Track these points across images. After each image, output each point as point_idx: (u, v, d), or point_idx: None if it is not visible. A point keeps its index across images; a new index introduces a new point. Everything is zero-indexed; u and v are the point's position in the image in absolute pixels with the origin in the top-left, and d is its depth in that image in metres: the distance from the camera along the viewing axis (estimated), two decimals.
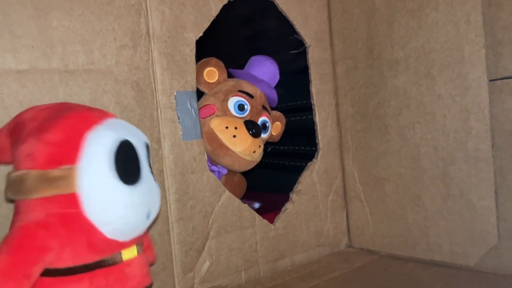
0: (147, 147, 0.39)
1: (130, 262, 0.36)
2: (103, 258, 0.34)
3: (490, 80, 0.51)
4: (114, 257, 0.35)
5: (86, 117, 0.35)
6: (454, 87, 0.54)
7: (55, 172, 0.32)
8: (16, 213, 0.34)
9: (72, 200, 0.33)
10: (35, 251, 0.31)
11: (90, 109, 0.37)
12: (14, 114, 0.41)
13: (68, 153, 0.33)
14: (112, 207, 0.34)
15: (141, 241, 0.38)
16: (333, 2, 0.67)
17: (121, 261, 0.35)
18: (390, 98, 0.61)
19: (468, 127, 0.53)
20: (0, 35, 0.41)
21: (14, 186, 0.33)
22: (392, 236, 0.63)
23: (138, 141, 0.37)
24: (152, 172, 0.39)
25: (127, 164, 0.35)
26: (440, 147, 0.56)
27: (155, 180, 0.39)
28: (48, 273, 0.32)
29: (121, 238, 0.35)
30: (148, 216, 0.37)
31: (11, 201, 0.37)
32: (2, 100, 0.41)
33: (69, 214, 0.33)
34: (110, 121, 0.36)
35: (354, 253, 0.67)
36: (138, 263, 0.37)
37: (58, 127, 0.33)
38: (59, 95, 0.44)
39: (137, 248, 0.37)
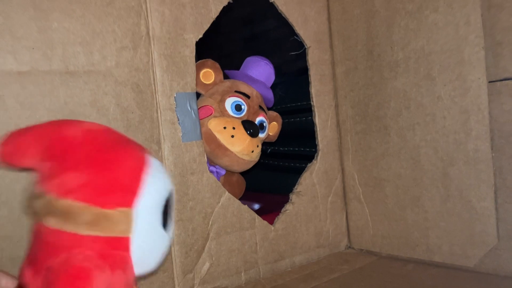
0: None
1: None
2: None
3: (490, 82, 0.51)
4: None
5: (141, 158, 0.35)
6: (453, 88, 0.54)
7: (115, 214, 0.32)
8: (52, 243, 0.32)
9: (125, 243, 0.33)
10: None
11: (137, 145, 0.36)
12: (14, 115, 0.41)
13: (127, 195, 0.33)
14: (155, 252, 0.36)
15: None
16: (333, 4, 0.67)
17: None
18: (389, 100, 0.61)
19: (467, 128, 0.53)
20: (0, 36, 0.41)
21: (66, 215, 0.31)
22: (392, 237, 0.63)
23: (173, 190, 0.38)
24: None
25: (168, 213, 0.36)
26: (440, 148, 0.56)
27: None
28: None
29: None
30: None
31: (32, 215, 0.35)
32: (3, 101, 0.41)
33: (120, 256, 0.33)
34: (154, 161, 0.36)
35: (354, 254, 0.67)
36: None
37: (118, 165, 0.33)
38: (60, 97, 0.44)
39: None
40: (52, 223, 0.32)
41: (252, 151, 0.65)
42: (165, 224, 0.36)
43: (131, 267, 0.34)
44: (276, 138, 0.76)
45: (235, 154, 0.64)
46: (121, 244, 0.33)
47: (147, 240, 0.34)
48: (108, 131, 0.36)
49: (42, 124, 0.35)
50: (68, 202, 0.31)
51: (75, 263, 0.31)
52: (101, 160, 0.33)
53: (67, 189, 0.32)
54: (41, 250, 0.32)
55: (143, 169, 0.34)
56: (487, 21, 0.51)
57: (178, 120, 0.52)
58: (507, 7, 0.50)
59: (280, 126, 0.76)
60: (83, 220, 0.31)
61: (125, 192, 0.33)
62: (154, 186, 0.34)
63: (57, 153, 0.34)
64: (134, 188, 0.33)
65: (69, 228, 0.31)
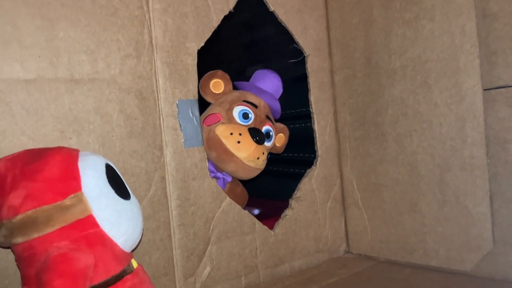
0: None
1: (138, 269, 0.40)
2: (124, 268, 0.38)
3: (485, 89, 0.53)
4: (130, 265, 0.39)
5: (67, 151, 0.38)
6: (450, 96, 0.55)
7: (67, 201, 0.35)
8: (30, 254, 0.35)
9: (90, 221, 0.36)
10: (82, 271, 0.34)
11: (61, 148, 0.39)
12: (21, 122, 0.42)
13: (69, 183, 0.36)
14: (122, 220, 0.38)
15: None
16: (332, 13, 0.69)
17: (133, 268, 0.39)
18: (387, 107, 0.62)
19: (463, 135, 0.54)
20: (8, 45, 0.42)
21: (26, 227, 0.35)
22: (389, 242, 0.64)
23: (110, 162, 0.41)
24: None
25: (118, 183, 0.40)
26: (437, 155, 0.57)
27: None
28: None
29: (128, 249, 0.40)
30: (142, 227, 0.42)
31: (7, 247, 0.38)
32: (10, 108, 0.42)
33: (92, 234, 0.36)
34: (84, 152, 0.40)
35: (353, 259, 0.68)
36: (142, 270, 0.41)
37: (49, 165, 0.36)
38: (65, 104, 0.45)
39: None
40: (19, 240, 0.35)
41: (258, 158, 0.67)
42: (121, 193, 0.39)
43: (110, 240, 0.37)
44: (283, 149, 0.78)
45: (241, 160, 0.66)
46: (87, 224, 0.36)
47: (109, 211, 0.37)
48: (26, 151, 0.39)
49: None
50: (21, 216, 0.35)
51: (51, 256, 0.34)
52: (29, 171, 0.36)
53: (15, 208, 0.35)
54: (26, 267, 0.35)
55: (73, 158, 0.38)
56: (482, 30, 0.52)
57: (180, 126, 0.53)
58: (501, 16, 0.51)
59: (287, 138, 0.78)
60: (40, 221, 0.34)
61: (65, 181, 0.36)
62: (88, 166, 0.38)
63: None
64: (72, 174, 0.36)
65: (34, 235, 0.35)
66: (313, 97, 0.67)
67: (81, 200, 0.36)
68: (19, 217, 0.35)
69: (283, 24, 0.64)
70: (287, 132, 0.78)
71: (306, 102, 0.68)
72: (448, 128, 0.56)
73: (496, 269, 0.53)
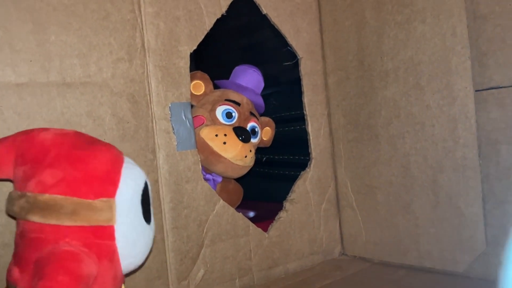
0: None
1: None
2: None
3: (476, 91, 0.53)
4: None
5: (116, 153, 0.37)
6: (441, 97, 0.55)
7: (97, 203, 0.33)
8: (37, 238, 0.33)
9: (109, 232, 0.34)
10: (86, 278, 0.32)
11: (108, 144, 0.38)
12: (13, 126, 0.42)
13: (108, 186, 0.34)
14: (139, 242, 0.37)
15: None
16: (325, 15, 0.69)
17: None
18: (380, 109, 0.62)
19: (455, 136, 0.55)
20: (0, 49, 0.42)
21: (48, 209, 0.33)
22: (384, 243, 0.64)
23: (148, 181, 0.39)
24: None
25: (147, 204, 0.38)
26: (429, 156, 0.57)
27: None
28: None
29: (125, 273, 0.37)
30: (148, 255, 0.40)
31: (13, 217, 0.37)
32: (1, 112, 0.42)
33: (105, 245, 0.34)
34: (128, 159, 0.38)
35: (347, 261, 0.68)
36: None
37: (96, 160, 0.35)
38: (57, 108, 0.45)
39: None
40: (35, 219, 0.33)
41: (246, 156, 0.67)
42: (146, 216, 0.37)
43: (118, 258, 0.35)
44: (270, 142, 0.78)
45: (229, 160, 0.66)
46: (105, 233, 0.34)
47: (130, 230, 0.35)
48: (77, 133, 0.37)
49: (10, 136, 0.37)
50: (48, 196, 0.33)
51: (61, 249, 0.32)
52: (75, 156, 0.34)
53: (45, 185, 0.33)
54: (27, 248, 0.33)
55: (119, 162, 0.36)
56: (473, 32, 0.53)
57: (173, 129, 0.53)
58: (491, 18, 0.51)
59: (274, 131, 0.78)
60: (64, 211, 0.32)
61: (104, 183, 0.34)
62: (131, 177, 0.36)
63: (31, 157, 0.35)
64: (113, 179, 0.35)
65: (52, 221, 0.33)
66: (306, 99, 0.68)
67: (110, 208, 0.34)
68: (45, 196, 0.33)
69: (276, 27, 0.64)
70: (273, 125, 0.78)
71: (300, 105, 0.68)
72: (440, 130, 0.56)
73: (489, 270, 0.53)
